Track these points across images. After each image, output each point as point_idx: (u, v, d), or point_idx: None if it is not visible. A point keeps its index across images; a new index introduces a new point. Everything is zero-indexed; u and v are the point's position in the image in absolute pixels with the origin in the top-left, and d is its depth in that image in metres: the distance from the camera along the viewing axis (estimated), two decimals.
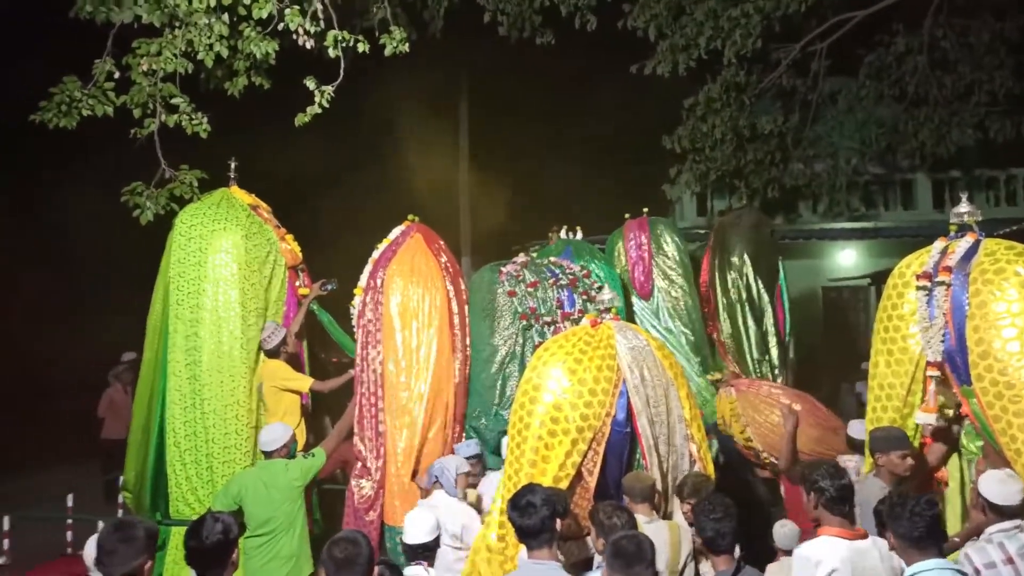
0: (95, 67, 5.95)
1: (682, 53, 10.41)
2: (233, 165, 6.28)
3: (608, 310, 4.71)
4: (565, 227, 7.64)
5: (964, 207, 4.25)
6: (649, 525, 3.97)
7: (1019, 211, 14.18)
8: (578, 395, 4.26)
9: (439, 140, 16.41)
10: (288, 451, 4.89)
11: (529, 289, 5.90)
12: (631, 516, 3.69)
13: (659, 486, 4.31)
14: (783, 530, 4.55)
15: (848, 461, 4.98)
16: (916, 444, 4.16)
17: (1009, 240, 4.16)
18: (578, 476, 4.28)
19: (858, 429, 5.16)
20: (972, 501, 3.70)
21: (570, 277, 6.04)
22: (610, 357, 4.36)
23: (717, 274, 7.38)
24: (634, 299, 7.38)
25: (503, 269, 6.02)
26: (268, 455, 4.83)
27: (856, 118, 12.05)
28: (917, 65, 11.36)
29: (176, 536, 4.97)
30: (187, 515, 5.25)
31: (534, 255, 6.79)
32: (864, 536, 3.37)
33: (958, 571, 2.82)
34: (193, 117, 6.11)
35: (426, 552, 3.69)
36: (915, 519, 2.84)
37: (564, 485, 4.19)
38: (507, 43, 10.89)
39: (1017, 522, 3.43)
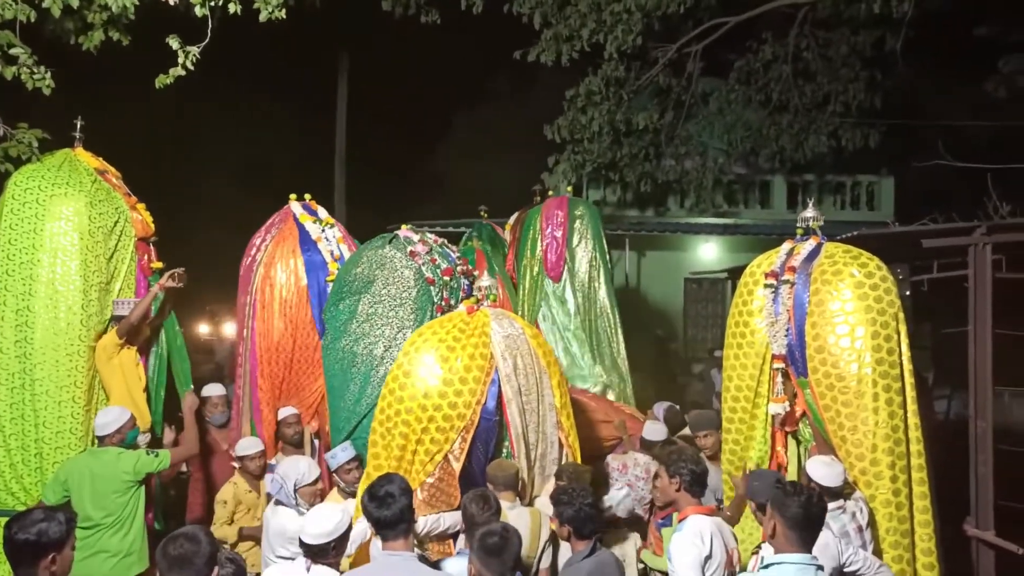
0: None
1: (565, 43, 10.59)
2: (79, 125, 5.76)
3: (486, 297, 4.70)
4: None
5: (810, 212, 4.54)
6: (511, 511, 4.03)
7: (862, 214, 15.50)
8: (448, 383, 4.24)
9: (315, 115, 15.86)
10: (123, 437, 4.54)
11: (445, 277, 5.23)
12: (495, 504, 3.71)
13: (524, 474, 4.37)
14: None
15: (639, 458, 5.24)
16: (767, 433, 4.41)
17: (848, 244, 4.49)
18: (444, 460, 4.27)
19: (650, 431, 5.50)
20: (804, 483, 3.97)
21: (463, 264, 5.64)
22: (483, 345, 4.36)
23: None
24: (546, 281, 7.12)
25: (412, 249, 5.25)
26: (100, 440, 4.46)
27: (725, 120, 12.70)
28: (782, 73, 12.09)
29: None
30: (10, 505, 4.83)
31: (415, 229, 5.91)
32: (715, 512, 3.70)
33: (819, 567, 2.93)
34: (35, 71, 5.54)
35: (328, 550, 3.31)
36: (809, 509, 2.91)
37: (430, 470, 4.18)
38: (391, 19, 10.64)
39: (840, 503, 3.73)
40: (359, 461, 4.79)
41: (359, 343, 5.06)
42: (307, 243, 5.90)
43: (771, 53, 12.03)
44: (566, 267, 7.09)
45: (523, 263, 7.27)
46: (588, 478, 4.18)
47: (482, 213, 8.58)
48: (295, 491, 4.29)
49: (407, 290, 5.05)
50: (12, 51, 5.40)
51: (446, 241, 5.83)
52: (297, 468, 4.37)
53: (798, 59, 12.07)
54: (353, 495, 4.56)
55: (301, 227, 5.94)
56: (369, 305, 5.08)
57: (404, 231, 5.46)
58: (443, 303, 5.13)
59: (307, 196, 6.27)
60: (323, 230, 5.94)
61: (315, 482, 4.41)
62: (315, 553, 3.28)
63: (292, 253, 5.82)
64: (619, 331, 7.16)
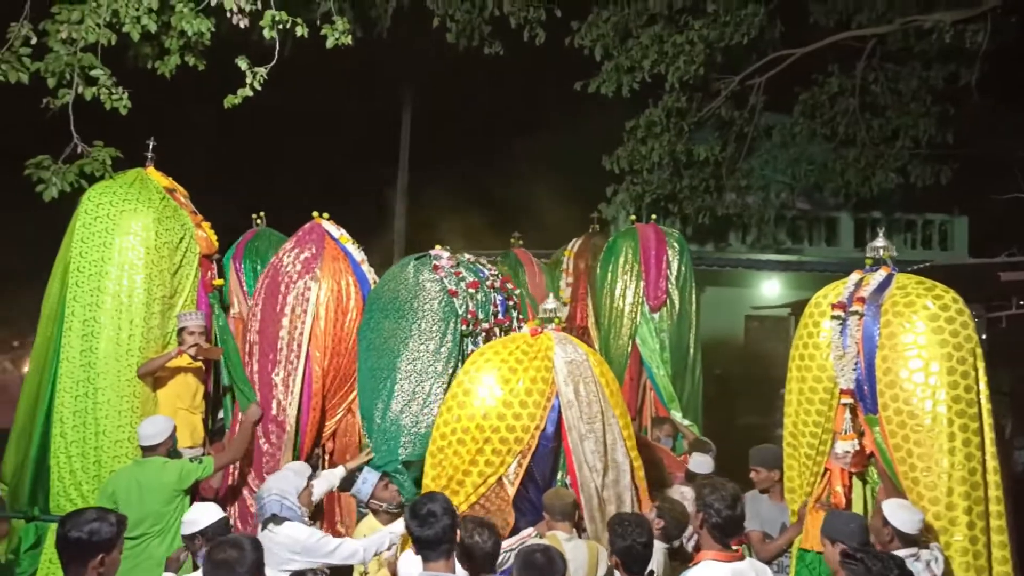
0: (11, 31, 5.61)
1: (626, 75, 10.56)
2: (151, 145, 6.00)
3: (550, 320, 4.63)
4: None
5: (880, 242, 4.36)
6: (568, 543, 3.89)
7: (933, 254, 14.89)
8: (507, 406, 4.19)
9: (378, 142, 16.19)
10: (169, 447, 4.62)
11: (470, 290, 5.14)
12: (495, 532, 3.49)
13: (595, 502, 4.23)
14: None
15: (684, 490, 5.13)
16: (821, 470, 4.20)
17: (920, 276, 4.29)
18: (498, 484, 4.19)
19: (696, 463, 5.45)
20: (875, 526, 3.72)
21: (499, 280, 5.53)
22: (546, 369, 4.29)
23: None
24: (644, 308, 7.12)
25: (438, 264, 5.21)
26: (146, 451, 4.54)
27: (788, 154, 12.41)
28: (848, 106, 11.79)
29: (54, 533, 4.61)
30: (67, 511, 4.87)
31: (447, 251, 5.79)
32: (742, 558, 3.40)
33: None
34: (113, 91, 5.80)
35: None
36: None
37: (482, 492, 4.10)
38: (455, 50, 10.81)
39: (914, 550, 3.50)
40: (388, 477, 4.73)
41: (384, 358, 5.01)
42: (354, 263, 5.86)
43: (837, 86, 11.75)
44: (668, 297, 7.08)
45: (614, 289, 7.16)
46: (681, 519, 4.17)
47: (513, 240, 8.63)
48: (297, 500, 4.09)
49: (429, 302, 5.01)
50: (92, 72, 5.66)
51: (471, 258, 5.65)
52: (288, 480, 4.15)
53: (866, 92, 11.77)
54: (399, 512, 4.44)
55: (344, 248, 5.82)
56: (394, 320, 5.05)
57: (436, 249, 5.45)
58: (468, 315, 5.06)
59: (326, 215, 6.03)
60: (360, 251, 5.93)
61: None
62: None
63: (347, 272, 5.62)
64: (699, 368, 7.08)
